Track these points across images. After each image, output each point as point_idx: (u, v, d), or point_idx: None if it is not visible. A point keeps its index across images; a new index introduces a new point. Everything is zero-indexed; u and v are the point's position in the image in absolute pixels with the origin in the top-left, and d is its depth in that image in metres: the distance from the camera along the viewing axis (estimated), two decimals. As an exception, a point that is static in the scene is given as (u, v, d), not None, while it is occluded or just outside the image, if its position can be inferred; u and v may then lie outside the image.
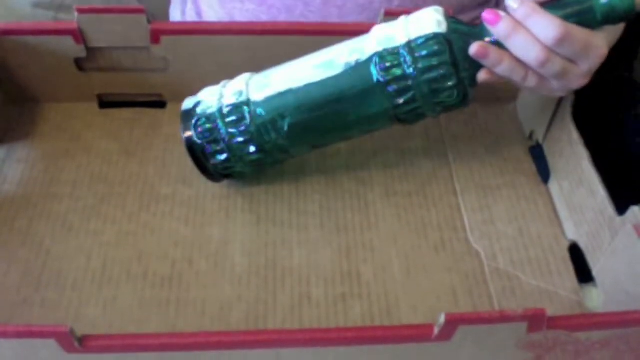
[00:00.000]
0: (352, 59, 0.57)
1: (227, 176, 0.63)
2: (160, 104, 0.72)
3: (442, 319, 0.44)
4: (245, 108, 0.59)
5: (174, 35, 0.66)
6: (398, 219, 0.63)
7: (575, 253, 0.61)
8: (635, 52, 0.78)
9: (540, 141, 0.68)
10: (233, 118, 0.59)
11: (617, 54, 0.64)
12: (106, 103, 0.71)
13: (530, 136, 0.70)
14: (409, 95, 0.56)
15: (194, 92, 0.70)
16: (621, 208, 0.55)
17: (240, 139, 0.59)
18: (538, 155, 0.68)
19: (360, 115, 0.59)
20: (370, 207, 0.63)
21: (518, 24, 0.53)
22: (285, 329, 0.54)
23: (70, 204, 0.62)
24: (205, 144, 0.60)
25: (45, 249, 0.59)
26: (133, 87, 0.70)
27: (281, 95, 0.58)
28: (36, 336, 0.44)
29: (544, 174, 0.67)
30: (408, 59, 0.55)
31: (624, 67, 0.78)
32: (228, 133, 0.59)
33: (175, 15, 0.85)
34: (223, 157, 0.60)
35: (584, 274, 0.59)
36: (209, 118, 0.60)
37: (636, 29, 0.68)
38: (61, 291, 0.56)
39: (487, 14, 0.54)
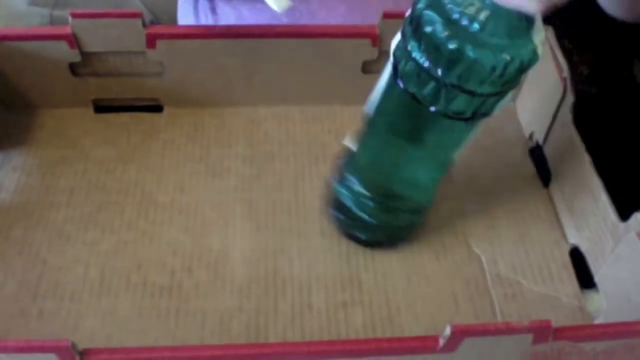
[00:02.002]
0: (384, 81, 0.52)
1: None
2: (156, 108, 0.71)
3: (447, 330, 0.43)
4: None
5: (170, 39, 0.65)
6: (398, 224, 0.62)
7: (577, 256, 0.61)
8: (636, 51, 0.77)
9: (541, 143, 0.68)
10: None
11: (618, 53, 0.64)
12: (102, 107, 0.71)
13: (530, 137, 0.70)
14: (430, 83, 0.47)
15: (190, 96, 0.70)
16: (623, 212, 0.55)
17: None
18: (538, 157, 0.68)
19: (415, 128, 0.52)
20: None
21: None
22: (289, 341, 0.53)
23: (68, 213, 0.62)
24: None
25: (42, 259, 0.58)
26: (129, 92, 0.69)
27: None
28: (36, 350, 0.43)
29: (545, 176, 0.66)
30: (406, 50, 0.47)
31: (625, 67, 0.78)
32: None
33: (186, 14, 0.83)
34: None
35: (585, 278, 0.59)
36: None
37: (636, 29, 0.68)
38: (59, 302, 0.56)
39: None
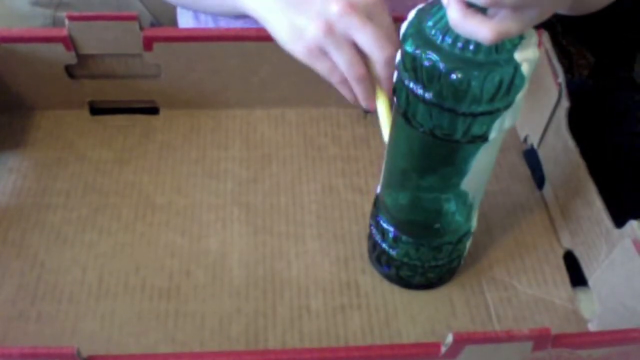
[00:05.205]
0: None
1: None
2: (152, 110, 0.71)
3: (449, 337, 0.44)
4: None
5: (167, 42, 0.65)
6: (394, 227, 0.63)
7: (570, 259, 0.61)
8: (635, 53, 0.77)
9: (535, 146, 0.68)
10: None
11: (617, 54, 0.64)
12: (98, 109, 0.70)
13: (525, 140, 0.70)
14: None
15: (187, 98, 0.70)
16: (617, 216, 0.56)
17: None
18: (532, 159, 0.68)
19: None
20: (367, 216, 0.63)
21: None
22: (292, 348, 0.54)
23: (65, 215, 0.62)
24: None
25: (40, 261, 0.58)
26: (125, 94, 0.70)
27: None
28: (41, 357, 0.43)
29: (539, 178, 0.67)
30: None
31: (624, 68, 0.78)
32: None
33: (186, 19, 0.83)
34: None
35: (578, 282, 0.60)
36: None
37: (636, 29, 0.68)
38: (57, 304, 0.56)
39: None
